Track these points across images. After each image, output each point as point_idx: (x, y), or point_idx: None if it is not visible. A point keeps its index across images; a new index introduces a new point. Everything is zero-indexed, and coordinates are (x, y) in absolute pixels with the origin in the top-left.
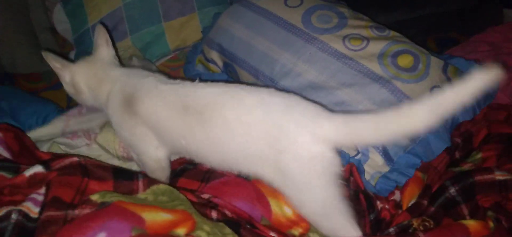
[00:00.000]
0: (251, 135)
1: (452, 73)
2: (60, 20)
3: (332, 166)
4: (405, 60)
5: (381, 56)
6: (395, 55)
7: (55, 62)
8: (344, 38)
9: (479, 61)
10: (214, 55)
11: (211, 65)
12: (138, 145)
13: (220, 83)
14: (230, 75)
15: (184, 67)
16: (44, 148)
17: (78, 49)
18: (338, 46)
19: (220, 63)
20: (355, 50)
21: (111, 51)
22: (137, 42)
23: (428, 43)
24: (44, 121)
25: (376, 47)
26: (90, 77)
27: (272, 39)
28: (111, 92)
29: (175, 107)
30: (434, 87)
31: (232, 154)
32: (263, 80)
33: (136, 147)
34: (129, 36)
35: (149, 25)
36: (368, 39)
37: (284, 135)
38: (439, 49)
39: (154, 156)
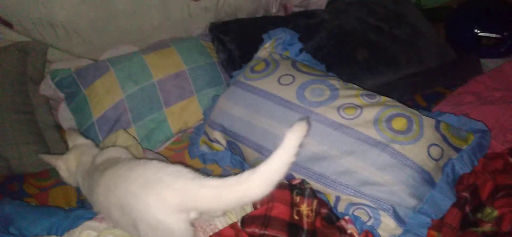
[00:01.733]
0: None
1: (445, 130)
2: (66, 117)
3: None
4: (399, 123)
5: (376, 121)
6: (389, 119)
7: (50, 159)
8: (338, 108)
9: (467, 114)
10: (217, 135)
11: (215, 145)
12: None
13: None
14: (234, 152)
15: (188, 149)
16: None
17: None
18: (334, 116)
19: (223, 142)
20: (350, 119)
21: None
22: (141, 130)
23: (416, 99)
24: (55, 231)
25: (370, 113)
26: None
27: (271, 116)
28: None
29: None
30: (431, 146)
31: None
32: (267, 154)
33: None
34: (132, 125)
35: (151, 113)
36: (361, 107)
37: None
38: (428, 104)
39: None
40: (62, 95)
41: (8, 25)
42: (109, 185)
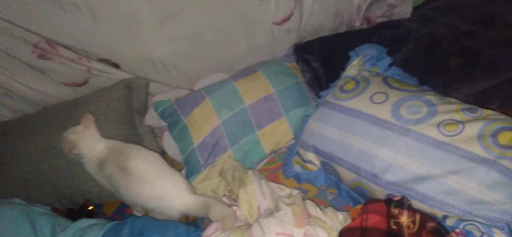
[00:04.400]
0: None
1: None
2: (170, 144)
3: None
4: (506, 138)
5: (480, 137)
6: (495, 134)
7: None
8: (438, 125)
9: None
10: (311, 156)
11: (309, 165)
12: None
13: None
14: (328, 172)
15: (282, 168)
16: None
17: (188, 167)
18: (434, 134)
19: (317, 163)
20: (452, 136)
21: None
22: (238, 152)
23: None
24: None
25: (472, 129)
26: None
27: (365, 136)
28: None
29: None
30: None
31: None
32: (365, 176)
33: None
34: (230, 149)
35: (246, 136)
36: (462, 122)
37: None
38: None
39: None
40: (164, 124)
41: (116, 66)
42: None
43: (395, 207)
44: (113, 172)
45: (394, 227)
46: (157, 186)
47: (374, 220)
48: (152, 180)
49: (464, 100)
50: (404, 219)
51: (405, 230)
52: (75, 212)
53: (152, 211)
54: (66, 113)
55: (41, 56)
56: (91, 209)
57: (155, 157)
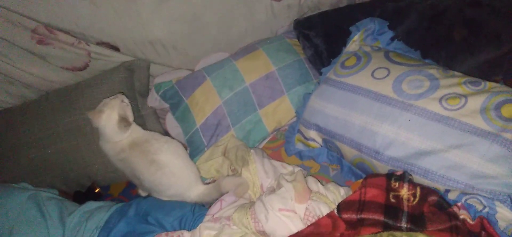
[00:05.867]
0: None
1: None
2: (173, 125)
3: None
4: (510, 110)
5: (483, 110)
6: (498, 107)
7: None
8: (440, 99)
9: None
10: (313, 134)
11: (311, 143)
12: None
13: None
14: (331, 149)
15: (285, 146)
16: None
17: (191, 148)
18: (436, 108)
19: (319, 140)
20: (454, 110)
21: None
22: (240, 132)
23: None
24: (184, 223)
25: (476, 102)
26: None
27: (367, 112)
28: None
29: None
30: None
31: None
32: (367, 152)
33: None
34: (232, 129)
35: (247, 115)
36: (465, 96)
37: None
38: None
39: None
40: (167, 106)
41: (116, 49)
42: None
43: (395, 180)
44: (137, 161)
45: (393, 200)
46: (183, 179)
47: (373, 193)
48: (179, 173)
49: (468, 72)
50: (404, 192)
51: (405, 203)
52: (82, 195)
53: (162, 195)
54: (69, 98)
55: (41, 42)
56: (97, 191)
57: (181, 150)
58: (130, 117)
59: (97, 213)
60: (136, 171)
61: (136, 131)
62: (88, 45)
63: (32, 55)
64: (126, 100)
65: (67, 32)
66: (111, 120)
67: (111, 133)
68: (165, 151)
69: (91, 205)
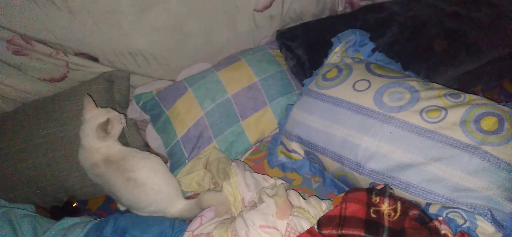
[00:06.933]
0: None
1: None
2: (153, 137)
3: None
4: (489, 123)
5: (463, 123)
6: (478, 119)
7: None
8: (420, 112)
9: None
10: (295, 146)
11: (293, 155)
12: None
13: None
14: (313, 161)
15: (267, 158)
16: None
17: (172, 160)
18: (417, 121)
19: (301, 152)
20: (435, 123)
21: None
22: (222, 143)
23: (505, 86)
24: None
25: (455, 115)
26: None
27: (349, 125)
28: None
29: None
30: None
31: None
32: (349, 165)
33: None
34: (214, 140)
35: (230, 126)
36: (445, 108)
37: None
38: None
39: None
40: (147, 117)
41: (95, 59)
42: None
43: (376, 195)
44: (113, 179)
45: (373, 215)
46: (162, 195)
47: (353, 208)
48: (158, 190)
49: (449, 83)
50: (385, 207)
51: (386, 218)
52: (59, 210)
53: (141, 211)
54: (46, 110)
55: (17, 52)
56: (75, 205)
57: (160, 165)
58: (113, 133)
59: (72, 231)
60: (113, 188)
61: (112, 148)
62: (67, 56)
63: (8, 66)
64: (124, 121)
65: (44, 43)
66: (96, 120)
67: (87, 132)
68: (142, 168)
69: (66, 221)
